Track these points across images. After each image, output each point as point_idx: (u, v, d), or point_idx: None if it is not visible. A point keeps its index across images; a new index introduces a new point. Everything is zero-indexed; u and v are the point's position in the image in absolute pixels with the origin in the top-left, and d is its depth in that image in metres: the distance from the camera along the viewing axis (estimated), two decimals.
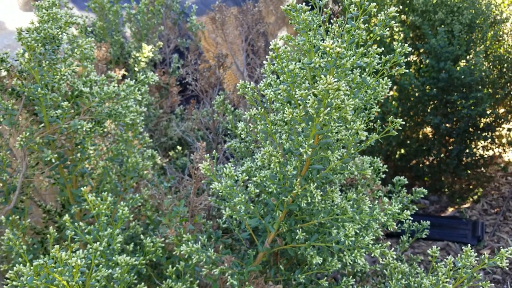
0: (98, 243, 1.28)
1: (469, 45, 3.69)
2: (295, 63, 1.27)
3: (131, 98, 1.73)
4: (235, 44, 2.88)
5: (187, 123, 2.57)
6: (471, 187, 4.18)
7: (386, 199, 1.54)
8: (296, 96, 1.23)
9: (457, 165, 3.93)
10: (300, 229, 1.51)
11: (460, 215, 4.18)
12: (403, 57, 1.27)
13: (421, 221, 2.33)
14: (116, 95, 1.70)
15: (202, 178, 1.72)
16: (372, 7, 1.16)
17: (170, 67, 3.11)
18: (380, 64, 1.32)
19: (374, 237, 1.87)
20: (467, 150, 3.83)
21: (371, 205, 1.45)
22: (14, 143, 1.79)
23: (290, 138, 1.44)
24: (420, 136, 4.28)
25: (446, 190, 4.27)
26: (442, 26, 3.74)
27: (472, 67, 3.50)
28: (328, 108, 1.18)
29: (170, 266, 1.57)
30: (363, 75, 1.38)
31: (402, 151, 4.35)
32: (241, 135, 1.49)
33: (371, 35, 1.27)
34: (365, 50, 1.25)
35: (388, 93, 4.28)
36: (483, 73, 3.53)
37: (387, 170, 2.09)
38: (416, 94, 3.80)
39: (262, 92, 1.42)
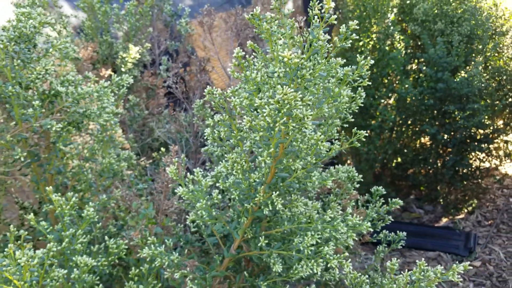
0: (51, 243, 1.28)
1: (468, 56, 3.70)
2: (257, 72, 1.27)
3: (105, 99, 1.73)
4: (222, 49, 2.89)
5: (169, 126, 2.58)
6: (466, 198, 4.18)
7: (349, 210, 1.53)
8: (255, 104, 1.24)
9: (453, 176, 3.93)
10: (263, 237, 1.51)
11: (454, 226, 4.17)
12: (365, 70, 1.27)
13: (398, 231, 2.32)
14: (89, 96, 1.71)
15: (171, 182, 1.73)
16: (333, 19, 1.16)
17: (159, 69, 3.12)
18: (344, 76, 1.32)
19: (341, 246, 1.87)
20: (464, 161, 3.83)
21: (332, 215, 1.45)
22: None
23: (257, 145, 1.44)
24: (417, 145, 4.28)
25: (441, 200, 4.26)
26: (442, 36, 3.74)
27: (471, 78, 3.49)
28: (284, 118, 1.18)
29: (133, 268, 1.58)
30: (329, 85, 1.39)
31: (399, 159, 4.35)
32: (207, 140, 1.50)
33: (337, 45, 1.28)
34: (327, 62, 1.25)
35: (387, 101, 4.28)
36: (482, 85, 3.53)
37: (362, 180, 2.09)
38: (414, 104, 3.80)
39: (228, 99, 1.43)
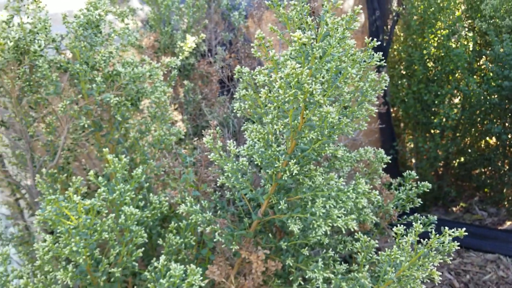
0: (101, 189, 1.56)
1: None
2: (274, 52, 1.47)
3: (155, 78, 2.01)
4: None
5: (218, 109, 2.83)
6: None
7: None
8: (271, 80, 1.43)
9: None
10: (283, 201, 1.71)
11: None
12: (378, 52, 1.42)
13: (429, 215, 2.40)
14: (143, 75, 1.99)
15: (210, 152, 1.96)
16: (339, 4, 1.33)
17: (214, 58, 3.39)
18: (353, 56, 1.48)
19: (375, 229, 2.01)
20: None
21: (343, 186, 1.61)
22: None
23: (281, 119, 1.63)
24: (483, 145, 4.18)
25: (506, 203, 4.15)
26: (509, 33, 3.67)
27: None
28: (294, 91, 1.37)
29: (172, 222, 1.83)
30: (344, 65, 1.55)
31: (462, 159, 4.26)
32: (237, 114, 1.71)
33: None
34: (337, 43, 1.42)
35: (451, 99, 4.23)
36: None
37: (390, 161, 2.21)
38: (479, 102, 3.75)
39: (254, 77, 1.64)
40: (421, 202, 2.32)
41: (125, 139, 2.31)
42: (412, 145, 4.36)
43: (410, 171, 2.36)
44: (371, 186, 1.96)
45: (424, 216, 2.39)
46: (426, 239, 1.60)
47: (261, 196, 1.80)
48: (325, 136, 1.57)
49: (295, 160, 1.61)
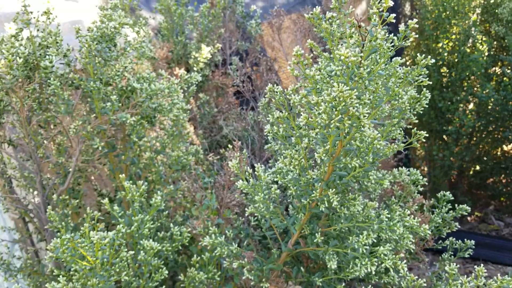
0: (121, 225, 1.40)
1: None
2: (315, 70, 1.31)
3: (175, 95, 1.85)
4: (291, 49, 2.93)
5: (236, 124, 2.67)
6: None
7: (407, 211, 1.52)
8: (312, 102, 1.27)
9: None
10: (319, 233, 1.54)
11: None
12: (425, 69, 1.26)
13: (465, 239, 2.23)
14: (161, 92, 1.84)
15: (234, 176, 1.80)
16: (391, 18, 1.17)
17: (229, 69, 3.23)
18: (404, 75, 1.32)
19: (409, 256, 1.84)
20: None
21: (389, 216, 1.45)
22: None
23: (316, 143, 1.47)
24: (499, 153, 4.05)
25: None
26: None
27: None
28: (340, 116, 1.20)
29: (195, 256, 1.67)
30: (389, 85, 1.39)
31: (477, 167, 4.14)
32: (267, 137, 1.55)
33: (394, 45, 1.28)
34: (384, 60, 1.26)
35: (467, 105, 4.09)
36: None
37: (427, 183, 2.04)
38: (496, 109, 3.61)
39: (288, 96, 1.48)
40: (458, 227, 2.15)
41: (139, 159, 2.15)
42: (423, 153, 4.23)
43: (444, 192, 2.19)
44: (408, 212, 1.79)
45: (460, 241, 2.22)
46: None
47: (292, 226, 1.63)
48: (369, 163, 1.40)
49: (334, 190, 1.45)
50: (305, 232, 1.64)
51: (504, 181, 4.04)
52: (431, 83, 1.31)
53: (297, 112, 1.52)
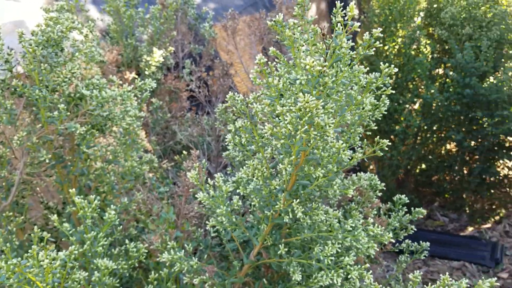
0: (73, 246, 1.30)
1: (497, 61, 3.61)
2: (279, 78, 1.27)
3: (128, 103, 1.75)
4: (245, 53, 2.89)
5: (191, 129, 2.59)
6: (493, 207, 4.08)
7: (370, 220, 1.51)
8: (277, 112, 1.23)
9: (479, 184, 3.86)
10: (283, 244, 1.50)
11: (480, 235, 4.08)
12: (388, 77, 1.25)
13: (420, 240, 2.28)
14: (113, 99, 1.73)
15: (192, 187, 1.73)
16: (356, 27, 1.15)
17: (182, 72, 3.15)
18: (367, 84, 1.30)
19: (367, 259, 1.84)
20: (491, 169, 3.75)
21: (353, 225, 1.43)
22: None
23: (278, 152, 1.43)
24: (443, 152, 4.20)
25: (466, 208, 4.18)
26: (469, 41, 3.67)
27: (500, 84, 3.41)
28: (306, 126, 1.17)
29: (153, 272, 1.59)
30: (352, 93, 1.37)
31: (423, 166, 4.28)
32: (228, 147, 1.50)
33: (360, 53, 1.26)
34: (349, 70, 1.24)
35: (412, 106, 4.22)
36: (511, 91, 3.44)
37: (384, 188, 2.06)
38: (440, 109, 3.74)
39: (250, 104, 1.43)
40: (414, 230, 2.19)
41: (89, 169, 2.03)
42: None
43: (400, 196, 2.22)
44: (370, 219, 1.78)
45: (415, 243, 2.26)
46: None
47: (255, 238, 1.59)
48: (333, 172, 1.38)
49: (298, 200, 1.41)
50: (267, 243, 1.60)
51: (448, 178, 4.20)
52: (394, 92, 1.30)
53: (258, 120, 1.48)
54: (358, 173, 2.06)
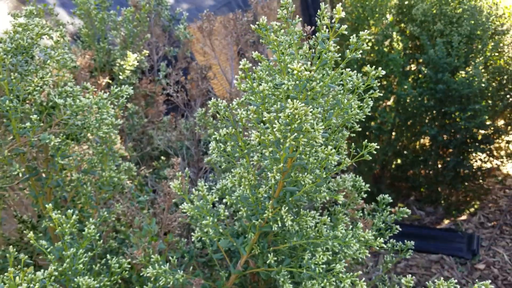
0: (52, 267, 1.23)
1: (468, 56, 3.66)
2: (267, 83, 1.22)
3: (104, 111, 1.68)
4: (223, 54, 2.84)
5: (170, 134, 2.52)
6: (468, 199, 4.15)
7: (360, 224, 1.48)
8: (264, 118, 1.19)
9: (454, 177, 3.91)
10: (272, 253, 1.46)
11: (456, 227, 4.14)
12: (376, 80, 1.22)
13: (406, 241, 2.27)
14: (88, 108, 1.66)
15: (174, 196, 1.67)
16: (343, 29, 1.11)
17: (158, 75, 3.07)
18: (355, 87, 1.27)
19: (352, 261, 1.82)
20: (465, 162, 3.80)
21: (344, 231, 1.40)
22: None
23: (264, 158, 1.39)
24: (417, 146, 4.25)
25: (442, 201, 4.24)
26: (441, 37, 3.71)
27: (471, 78, 3.46)
28: (295, 134, 1.13)
29: (137, 287, 1.52)
30: (339, 97, 1.34)
31: (399, 161, 4.32)
32: (213, 154, 1.44)
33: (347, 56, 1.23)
34: (336, 73, 1.20)
35: (384, 103, 4.26)
36: (482, 85, 3.50)
37: (369, 189, 2.04)
38: (413, 105, 3.77)
39: (233, 111, 1.38)
40: (399, 229, 2.18)
41: (64, 181, 1.94)
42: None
43: (384, 195, 2.22)
44: (359, 224, 1.76)
45: (400, 242, 2.25)
46: None
47: (242, 247, 1.54)
48: (321, 178, 1.34)
49: (286, 208, 1.37)
50: (255, 251, 1.55)
51: (423, 172, 4.25)
52: (381, 95, 1.27)
53: (243, 126, 1.43)
54: (342, 175, 2.04)
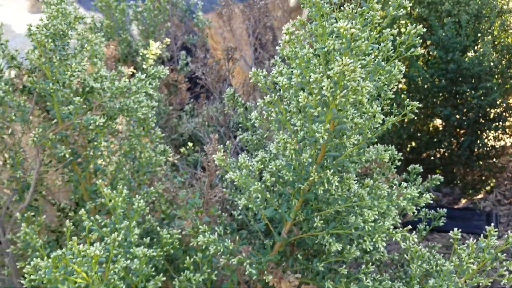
0: (116, 233, 1.27)
1: (476, 35, 3.67)
2: (308, 48, 1.25)
3: (143, 92, 1.72)
4: (242, 39, 2.87)
5: (197, 119, 2.56)
6: (483, 178, 4.15)
7: (404, 184, 1.52)
8: (310, 80, 1.22)
9: (468, 157, 3.91)
10: (317, 218, 1.50)
11: (474, 206, 4.15)
12: (418, 38, 1.25)
13: (438, 209, 2.31)
14: (127, 90, 1.70)
15: (216, 170, 1.71)
16: None
17: (178, 64, 3.11)
18: (394, 48, 1.30)
19: (393, 223, 1.84)
20: (478, 141, 3.81)
21: (389, 191, 1.43)
22: (26, 141, 1.79)
23: (305, 125, 1.42)
24: (431, 128, 4.26)
25: (458, 181, 4.24)
26: (449, 17, 3.72)
27: (481, 57, 3.47)
28: (344, 91, 1.16)
29: (187, 257, 1.56)
30: (377, 59, 1.37)
31: (413, 144, 4.33)
32: (254, 125, 1.48)
33: (385, 16, 1.26)
34: (379, 33, 1.23)
35: (398, 85, 4.26)
36: (492, 63, 3.50)
37: (402, 158, 2.07)
38: (425, 86, 3.78)
39: (274, 80, 1.41)
40: (433, 197, 2.21)
41: (104, 166, 1.99)
42: None
43: (414, 165, 2.25)
44: (404, 183, 1.77)
45: (433, 210, 2.29)
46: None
47: (286, 213, 1.57)
48: (366, 139, 1.38)
49: (332, 171, 1.41)
50: (299, 218, 1.59)
51: (437, 154, 4.26)
52: (423, 51, 1.30)
53: (281, 95, 1.46)
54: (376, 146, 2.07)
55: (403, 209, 2.07)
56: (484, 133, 3.87)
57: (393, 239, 1.77)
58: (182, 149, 2.83)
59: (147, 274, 1.45)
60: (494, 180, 4.22)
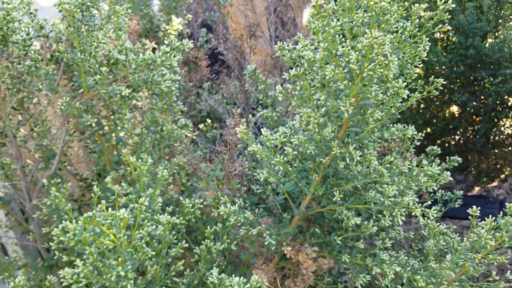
0: (143, 198, 1.30)
1: (498, 21, 3.60)
2: (336, 21, 1.26)
3: (167, 64, 1.74)
4: (263, 18, 2.87)
5: (217, 96, 2.58)
6: (498, 166, 4.12)
7: (425, 161, 1.53)
8: (338, 52, 1.23)
9: (484, 144, 3.88)
10: (337, 192, 1.52)
11: (487, 194, 4.13)
12: (447, 13, 1.25)
13: (454, 190, 2.32)
14: (152, 62, 1.72)
15: (237, 144, 1.74)
16: None
17: (198, 41, 3.12)
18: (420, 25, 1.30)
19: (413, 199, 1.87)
20: (495, 129, 3.77)
21: (410, 166, 1.45)
22: (52, 110, 1.83)
23: (328, 100, 1.43)
24: (447, 114, 4.22)
25: (472, 169, 4.22)
26: (471, 1, 3.66)
27: (501, 43, 3.42)
28: (372, 64, 1.17)
29: (207, 228, 1.60)
30: (403, 36, 1.37)
31: (428, 130, 4.31)
32: (274, 102, 1.50)
33: None
34: (405, 10, 1.23)
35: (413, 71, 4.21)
36: None
37: (421, 138, 2.08)
38: (443, 72, 3.74)
39: (299, 53, 1.42)
40: (450, 178, 2.22)
41: (126, 137, 2.02)
42: None
43: (432, 147, 2.26)
44: (424, 161, 1.78)
45: (449, 192, 2.29)
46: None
47: (306, 187, 1.60)
48: (389, 114, 1.39)
49: (353, 146, 1.42)
50: (318, 193, 1.61)
51: (452, 141, 4.23)
52: (450, 28, 1.30)
53: (305, 70, 1.47)
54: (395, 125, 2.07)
55: (419, 190, 2.09)
56: (501, 121, 3.83)
57: (411, 215, 1.77)
58: (201, 126, 2.86)
59: (169, 242, 1.49)
60: (508, 169, 4.19)
